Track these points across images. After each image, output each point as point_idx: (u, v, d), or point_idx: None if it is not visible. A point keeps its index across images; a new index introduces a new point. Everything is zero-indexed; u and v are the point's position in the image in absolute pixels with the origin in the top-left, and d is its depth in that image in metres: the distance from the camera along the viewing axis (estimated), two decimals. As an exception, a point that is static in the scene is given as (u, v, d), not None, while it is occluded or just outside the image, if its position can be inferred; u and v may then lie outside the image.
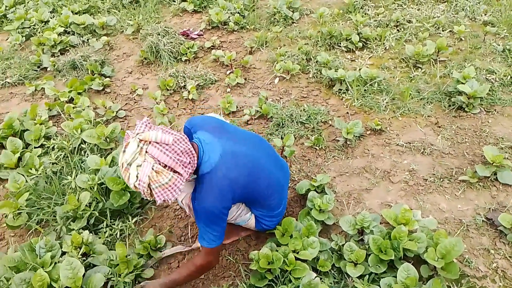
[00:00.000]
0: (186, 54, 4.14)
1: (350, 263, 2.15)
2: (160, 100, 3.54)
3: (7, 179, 2.79)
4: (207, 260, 1.98)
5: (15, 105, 3.75)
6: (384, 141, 3.04)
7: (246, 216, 2.18)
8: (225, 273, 2.30)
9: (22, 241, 2.57)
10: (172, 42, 4.20)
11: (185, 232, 2.55)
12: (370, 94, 3.46)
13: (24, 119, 3.29)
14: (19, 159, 2.91)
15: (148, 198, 1.72)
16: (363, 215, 2.29)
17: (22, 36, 4.61)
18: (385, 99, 3.38)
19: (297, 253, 2.15)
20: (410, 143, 2.99)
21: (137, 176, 1.62)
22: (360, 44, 4.05)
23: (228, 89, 3.74)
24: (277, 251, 2.17)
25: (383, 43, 4.09)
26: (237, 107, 3.46)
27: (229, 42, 4.44)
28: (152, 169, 1.61)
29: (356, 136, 3.03)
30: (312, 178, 2.73)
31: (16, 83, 3.99)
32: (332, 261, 2.20)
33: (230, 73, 3.91)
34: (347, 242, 2.22)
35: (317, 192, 2.55)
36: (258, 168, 2.00)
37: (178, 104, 3.63)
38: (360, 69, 3.60)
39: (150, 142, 1.62)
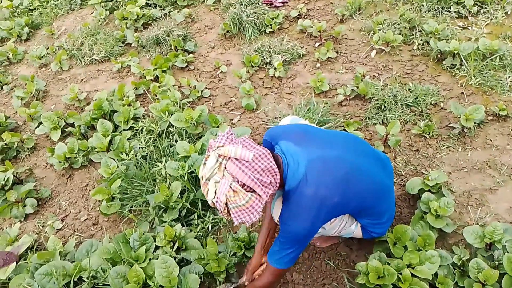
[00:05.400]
0: (271, 25, 3.83)
1: (477, 283, 1.82)
2: (246, 79, 3.31)
3: (99, 162, 2.82)
4: (269, 281, 1.82)
5: (103, 83, 3.76)
6: (511, 129, 2.55)
7: (351, 228, 1.91)
8: (325, 279, 2.09)
9: (116, 226, 2.58)
10: (255, 13, 3.91)
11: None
12: (490, 70, 2.92)
13: (113, 99, 3.27)
14: (110, 142, 2.89)
15: (225, 217, 1.59)
16: (494, 227, 1.93)
17: (106, 10, 4.59)
18: (509, 76, 2.84)
19: (413, 268, 1.87)
20: (545, 133, 2.48)
21: (215, 193, 1.50)
22: (475, 9, 3.44)
23: (318, 64, 3.40)
24: (388, 263, 1.91)
25: (503, 7, 3.43)
26: (329, 85, 3.13)
27: (317, 9, 4.03)
28: (230, 187, 1.46)
29: (475, 123, 2.58)
30: (422, 173, 2.38)
31: (102, 60, 3.99)
32: (455, 278, 1.89)
33: (319, 45, 3.55)
34: (473, 258, 1.88)
35: (431, 192, 2.20)
36: (357, 172, 1.68)
37: (263, 82, 3.38)
38: (476, 40, 3.04)
39: (229, 158, 1.47)
